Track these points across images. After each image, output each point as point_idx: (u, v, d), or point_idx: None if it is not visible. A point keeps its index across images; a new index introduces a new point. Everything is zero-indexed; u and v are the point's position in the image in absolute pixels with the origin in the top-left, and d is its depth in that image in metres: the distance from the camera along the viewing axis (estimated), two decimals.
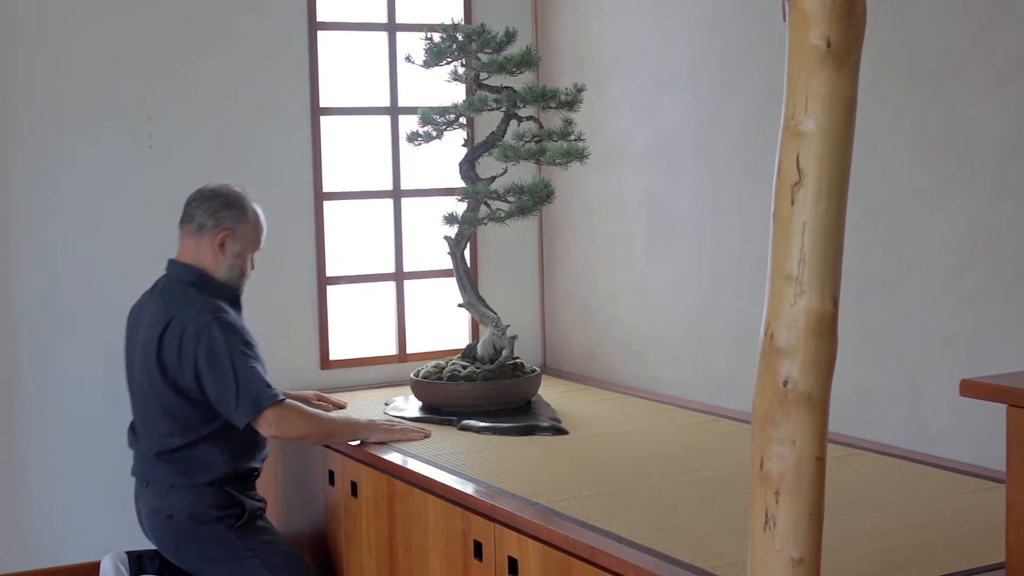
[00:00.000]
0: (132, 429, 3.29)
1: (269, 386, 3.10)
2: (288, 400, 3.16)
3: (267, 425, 3.09)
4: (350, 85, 4.27)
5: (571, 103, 3.46)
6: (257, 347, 3.19)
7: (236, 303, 3.27)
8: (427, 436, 3.28)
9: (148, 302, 3.25)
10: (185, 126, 3.98)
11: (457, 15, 4.24)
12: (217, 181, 3.30)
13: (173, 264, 3.26)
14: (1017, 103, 2.69)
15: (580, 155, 3.41)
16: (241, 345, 3.10)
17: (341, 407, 3.73)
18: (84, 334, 3.86)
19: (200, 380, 3.08)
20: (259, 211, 3.29)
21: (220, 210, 3.21)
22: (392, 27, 4.28)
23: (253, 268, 3.31)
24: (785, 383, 1.59)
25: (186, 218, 3.25)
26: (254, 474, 3.29)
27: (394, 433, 3.26)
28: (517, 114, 3.50)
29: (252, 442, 3.24)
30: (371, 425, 3.27)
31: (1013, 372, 1.96)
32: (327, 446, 3.38)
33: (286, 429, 3.11)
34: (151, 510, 3.19)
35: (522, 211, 3.45)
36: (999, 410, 1.87)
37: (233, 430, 3.15)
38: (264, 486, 3.86)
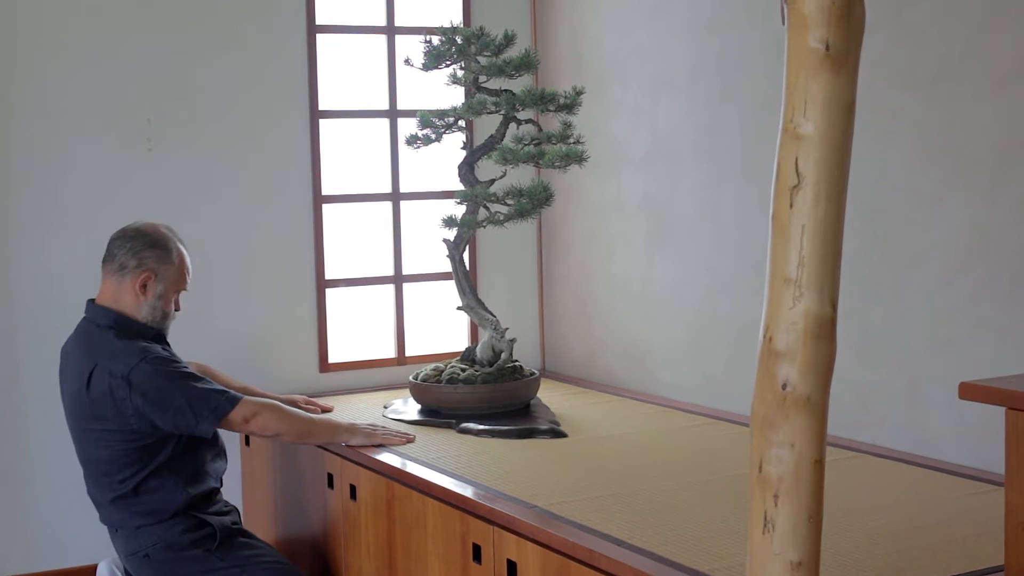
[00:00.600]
0: (85, 476, 3.21)
1: (223, 392, 3.07)
2: (257, 399, 3.14)
3: (240, 423, 3.07)
4: (349, 88, 4.27)
5: (570, 106, 3.46)
6: (190, 369, 3.12)
7: (160, 339, 3.19)
8: (411, 441, 3.27)
9: (74, 347, 3.17)
10: (184, 129, 3.98)
11: (456, 18, 4.24)
12: (143, 221, 3.22)
13: (92, 307, 3.17)
14: (1015, 106, 2.70)
15: (579, 158, 3.41)
16: (174, 371, 3.05)
17: (328, 411, 3.73)
18: None
19: (150, 419, 3.02)
20: (184, 252, 3.20)
21: (143, 250, 3.12)
22: (391, 30, 4.28)
23: (178, 309, 3.22)
24: (784, 386, 1.59)
25: (108, 257, 3.16)
26: (215, 494, 3.24)
27: (375, 437, 3.24)
28: (516, 117, 3.50)
29: (200, 465, 3.19)
30: (351, 428, 3.25)
31: (1012, 375, 1.96)
32: (326, 449, 3.38)
33: (261, 425, 3.09)
34: (128, 553, 3.15)
35: (521, 214, 3.45)
36: (998, 413, 1.87)
37: (178, 459, 3.12)
38: (262, 490, 3.86)
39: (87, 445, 3.13)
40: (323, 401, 3.91)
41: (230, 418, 3.06)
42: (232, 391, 3.12)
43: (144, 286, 3.13)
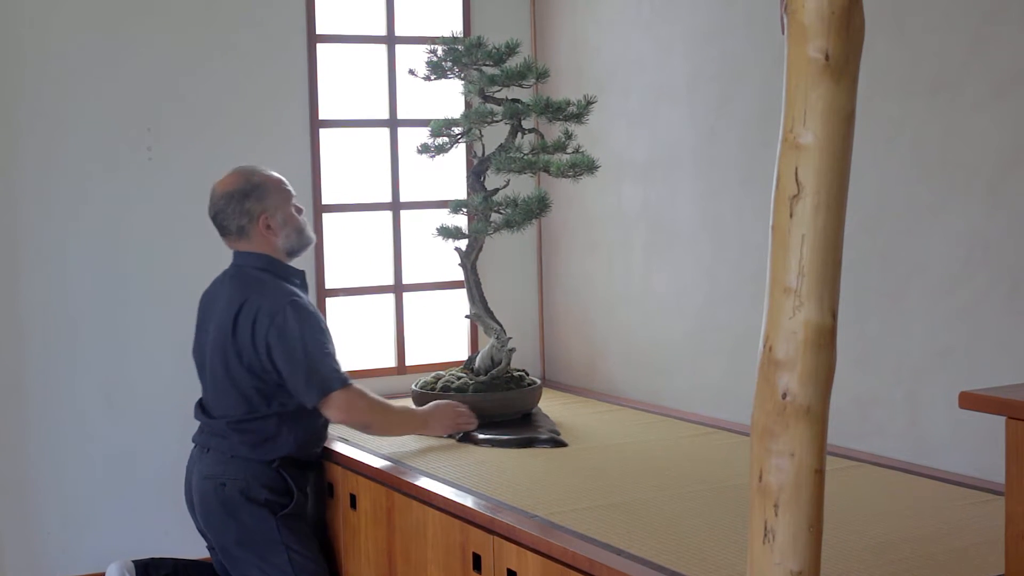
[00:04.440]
0: (201, 405, 3.33)
1: (338, 370, 3.16)
2: (356, 385, 3.21)
3: (335, 409, 3.15)
4: (349, 97, 4.28)
5: (579, 115, 3.47)
6: (328, 331, 3.25)
7: (304, 286, 3.33)
8: (478, 424, 3.38)
9: (221, 287, 3.31)
10: (184, 138, 3.98)
11: (456, 28, 4.25)
12: (216, 183, 3.34)
13: (240, 254, 3.31)
14: (1014, 115, 2.70)
15: (590, 167, 3.41)
16: (315, 328, 3.16)
17: None
18: (88, 347, 3.86)
19: (272, 360, 3.14)
20: (267, 172, 3.33)
21: (242, 203, 3.25)
22: (391, 39, 4.29)
23: (302, 211, 3.36)
24: (784, 395, 1.60)
25: (223, 231, 3.31)
26: (310, 468, 3.32)
27: (452, 427, 3.35)
28: (522, 126, 3.51)
29: (319, 430, 3.32)
30: (427, 421, 3.35)
31: (1012, 384, 1.96)
32: (326, 457, 3.38)
33: (355, 415, 3.18)
34: (204, 476, 3.21)
35: (508, 225, 3.45)
36: (998, 422, 1.87)
37: (304, 414, 3.22)
38: None
39: (221, 372, 3.21)
40: None
41: (330, 399, 3.14)
42: (344, 372, 3.19)
43: (268, 226, 3.26)
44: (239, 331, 3.17)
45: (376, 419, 3.24)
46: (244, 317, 3.16)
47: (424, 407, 3.40)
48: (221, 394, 3.24)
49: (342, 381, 3.15)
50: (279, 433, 3.21)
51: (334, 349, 3.22)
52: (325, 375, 3.14)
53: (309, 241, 3.36)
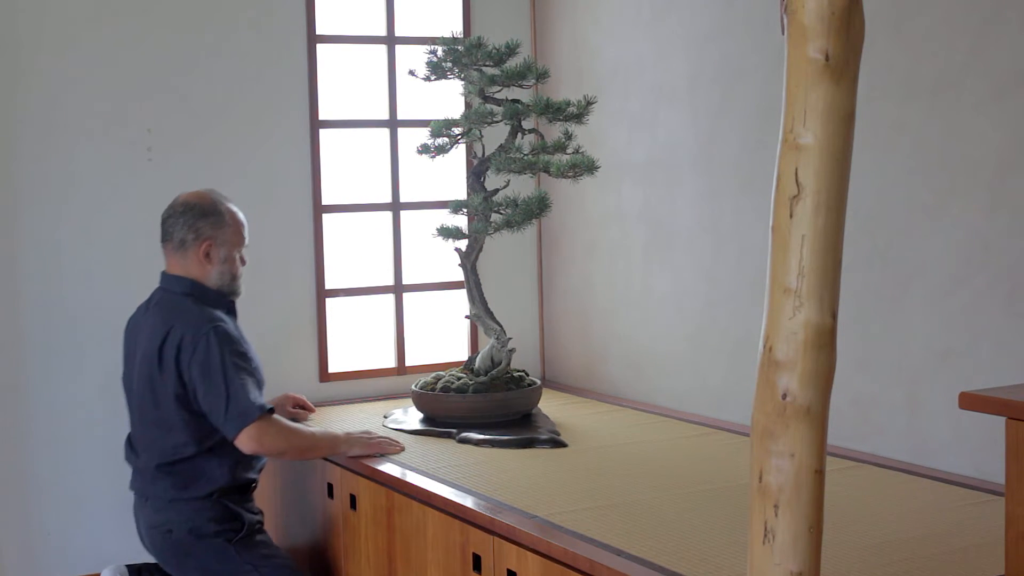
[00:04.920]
0: (130, 443, 3.28)
1: (256, 399, 3.09)
2: (273, 415, 3.15)
3: (248, 440, 3.07)
4: (349, 98, 4.28)
5: (579, 116, 3.47)
6: (254, 357, 3.20)
7: (232, 311, 3.29)
8: (403, 450, 3.29)
9: (145, 315, 3.26)
10: (185, 139, 3.98)
11: (456, 29, 4.25)
12: (186, 191, 3.30)
13: (166, 277, 3.27)
14: (1014, 116, 2.70)
15: (590, 167, 3.41)
16: (235, 356, 3.11)
17: (312, 412, 3.80)
18: (88, 347, 3.86)
19: (195, 389, 3.09)
20: (235, 209, 3.29)
21: (196, 221, 3.21)
22: (391, 40, 4.29)
23: (245, 264, 3.31)
24: (784, 396, 1.59)
25: (165, 236, 3.25)
26: (252, 485, 3.29)
27: (372, 446, 3.25)
28: (522, 126, 3.51)
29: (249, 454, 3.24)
30: (349, 439, 3.26)
31: (1012, 385, 1.96)
32: (327, 459, 3.38)
33: (268, 445, 3.10)
34: (150, 525, 3.18)
35: (508, 224, 3.45)
36: (998, 423, 1.87)
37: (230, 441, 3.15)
38: (263, 499, 3.86)
39: (148, 407, 3.16)
40: (323, 410, 3.92)
41: (247, 430, 3.07)
42: (263, 401, 3.13)
43: (208, 254, 3.22)
44: (165, 361, 3.11)
45: (290, 445, 3.15)
46: (169, 346, 3.10)
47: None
48: (149, 429, 3.18)
49: (260, 410, 3.08)
50: (209, 467, 3.14)
51: (259, 375, 3.16)
52: (244, 407, 3.06)
53: (237, 292, 3.29)
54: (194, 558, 3.15)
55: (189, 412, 3.13)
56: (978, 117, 2.79)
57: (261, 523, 3.30)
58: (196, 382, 3.08)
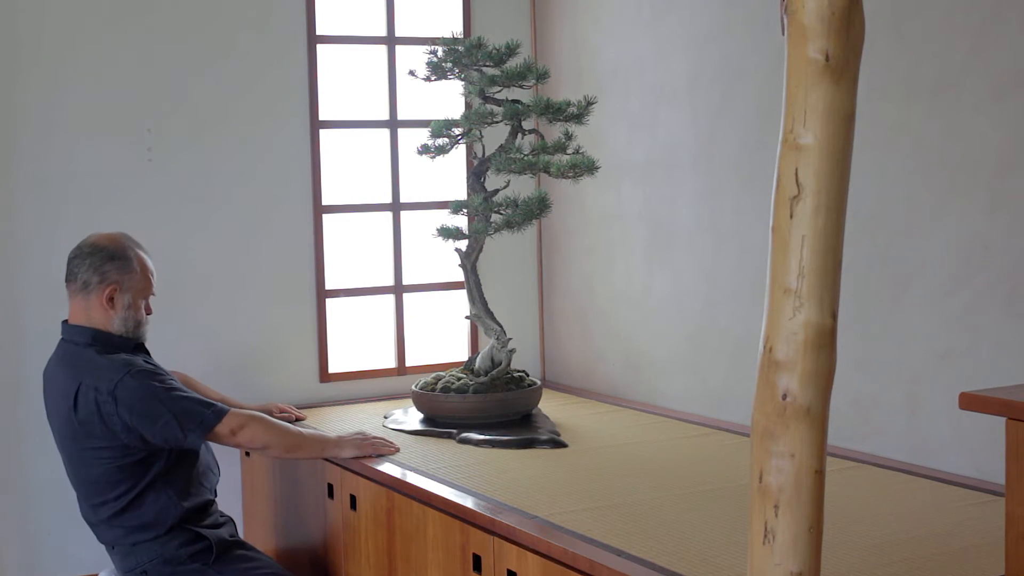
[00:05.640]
0: (79, 498, 3.20)
1: (209, 404, 3.06)
2: (244, 411, 3.13)
3: (228, 435, 3.04)
4: (349, 98, 4.28)
5: (579, 116, 3.47)
6: (180, 385, 3.12)
7: (140, 350, 3.19)
8: (397, 451, 3.27)
9: (56, 370, 3.15)
10: (185, 140, 3.98)
11: (456, 29, 4.25)
12: (96, 233, 3.19)
13: (68, 328, 3.14)
14: (1014, 117, 2.70)
15: (590, 167, 3.41)
16: (159, 384, 3.03)
17: (301, 419, 3.75)
18: None
19: (139, 433, 3.00)
20: (144, 256, 3.17)
21: (102, 264, 3.09)
22: (391, 40, 4.29)
23: (151, 312, 3.19)
24: (784, 396, 1.59)
25: (69, 277, 3.13)
26: (210, 505, 3.22)
27: (366, 447, 3.23)
28: (522, 127, 3.51)
29: (193, 477, 3.17)
30: (339, 441, 3.23)
31: (1012, 385, 1.96)
32: (328, 460, 3.38)
33: (249, 438, 3.07)
34: (125, 570, 3.14)
35: (508, 225, 3.45)
36: (998, 423, 1.87)
37: (171, 472, 3.10)
38: (262, 500, 3.86)
39: (78, 465, 3.10)
40: (323, 411, 3.92)
41: (217, 431, 3.04)
42: (219, 403, 3.10)
43: (111, 299, 3.10)
44: (80, 416, 3.01)
45: (275, 439, 3.12)
46: (82, 404, 3.00)
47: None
48: (85, 485, 3.10)
49: (218, 412, 3.03)
50: (158, 503, 3.07)
51: (193, 394, 3.10)
52: (198, 415, 3.01)
53: (142, 338, 3.17)
54: None
55: (118, 459, 3.04)
56: (978, 117, 2.79)
57: (234, 534, 3.24)
58: (136, 425, 2.99)
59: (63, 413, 3.07)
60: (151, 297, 3.19)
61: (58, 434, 3.14)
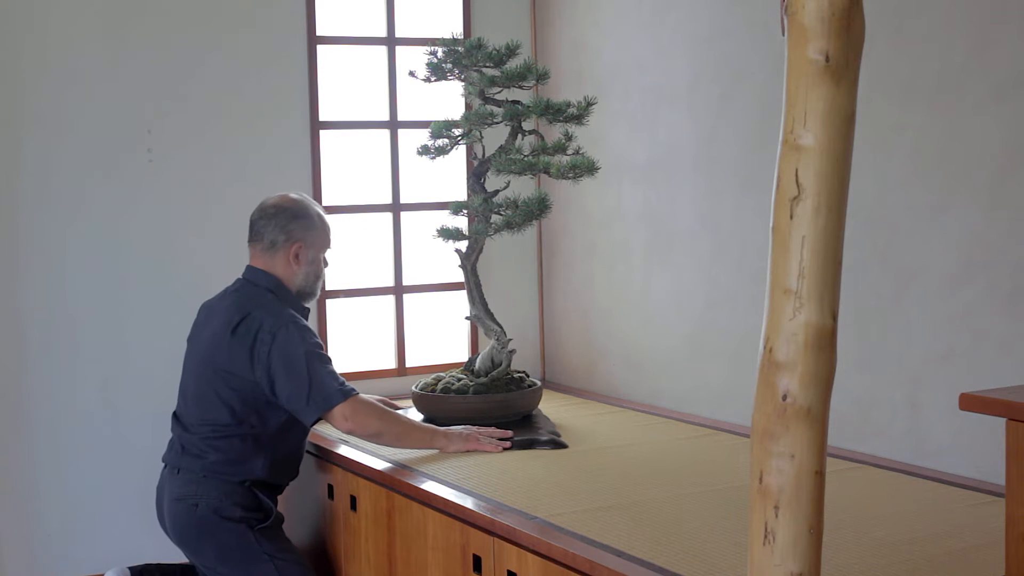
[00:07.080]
0: (177, 417, 3.31)
1: (342, 383, 3.15)
2: (363, 396, 3.20)
3: (342, 419, 3.12)
4: (349, 99, 4.28)
5: (579, 117, 3.47)
6: (325, 353, 3.24)
7: (305, 316, 3.34)
8: (508, 448, 3.26)
9: (222, 300, 3.32)
10: (184, 140, 3.98)
11: (456, 30, 4.25)
12: (275, 195, 3.38)
13: (252, 270, 3.34)
14: (1015, 118, 2.70)
15: (590, 168, 3.41)
16: (315, 348, 3.17)
17: (396, 407, 3.74)
18: (88, 347, 3.86)
19: (272, 378, 3.13)
20: (322, 212, 3.40)
21: (288, 223, 3.30)
22: (391, 41, 4.29)
23: (327, 265, 3.43)
24: (784, 397, 1.59)
25: (255, 237, 3.34)
26: (282, 490, 3.33)
27: (471, 442, 3.26)
28: (523, 128, 3.51)
29: (293, 457, 3.30)
30: (448, 433, 3.26)
31: (1012, 386, 1.96)
32: (327, 459, 3.38)
33: (362, 424, 3.14)
34: (176, 497, 3.20)
35: (508, 226, 3.45)
36: (998, 424, 1.87)
37: (279, 440, 3.21)
38: None
39: (208, 385, 3.20)
40: None
41: (334, 412, 3.12)
42: (348, 384, 3.17)
43: (297, 256, 3.31)
44: (235, 344, 3.16)
45: (386, 427, 3.19)
46: (243, 330, 3.16)
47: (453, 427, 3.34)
48: (202, 404, 3.22)
49: (345, 394, 3.13)
50: (253, 455, 3.19)
51: (334, 368, 3.21)
52: (327, 391, 3.12)
53: (316, 293, 3.40)
54: (213, 537, 3.17)
55: (248, 397, 3.17)
56: (978, 118, 2.79)
57: (282, 523, 3.32)
58: (275, 371, 3.12)
59: (218, 333, 3.20)
60: (329, 252, 3.42)
61: (199, 355, 3.27)
